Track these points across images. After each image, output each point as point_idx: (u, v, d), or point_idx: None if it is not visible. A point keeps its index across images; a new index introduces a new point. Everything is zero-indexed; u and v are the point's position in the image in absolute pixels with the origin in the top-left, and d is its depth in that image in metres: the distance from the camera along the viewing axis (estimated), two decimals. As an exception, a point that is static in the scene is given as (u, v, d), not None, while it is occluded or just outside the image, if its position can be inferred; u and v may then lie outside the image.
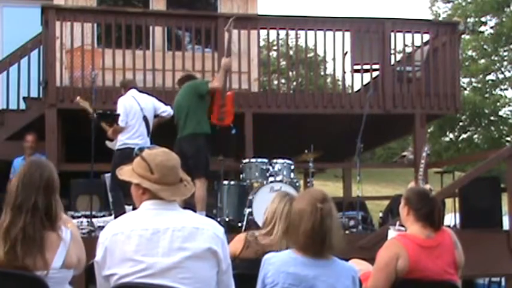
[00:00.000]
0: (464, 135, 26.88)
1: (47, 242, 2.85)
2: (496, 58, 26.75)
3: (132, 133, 7.12)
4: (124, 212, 6.32)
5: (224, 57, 7.53)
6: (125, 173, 2.94)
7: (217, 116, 7.35)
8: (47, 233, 2.87)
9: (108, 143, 7.44)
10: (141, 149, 3.05)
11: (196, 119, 7.05)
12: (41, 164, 3.03)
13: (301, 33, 9.35)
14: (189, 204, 6.57)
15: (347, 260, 3.22)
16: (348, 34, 9.14)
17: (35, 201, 2.88)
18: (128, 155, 6.50)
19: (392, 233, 4.08)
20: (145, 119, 7.23)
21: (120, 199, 7.01)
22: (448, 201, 8.97)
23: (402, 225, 3.97)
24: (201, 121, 7.08)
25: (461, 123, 25.86)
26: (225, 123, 7.47)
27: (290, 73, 12.76)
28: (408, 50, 9.75)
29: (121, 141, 7.11)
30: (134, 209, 2.94)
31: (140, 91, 7.49)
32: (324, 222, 3.00)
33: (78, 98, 7.59)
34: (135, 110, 7.18)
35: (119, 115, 7.12)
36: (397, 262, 3.55)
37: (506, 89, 27.23)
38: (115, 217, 6.22)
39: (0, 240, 2.84)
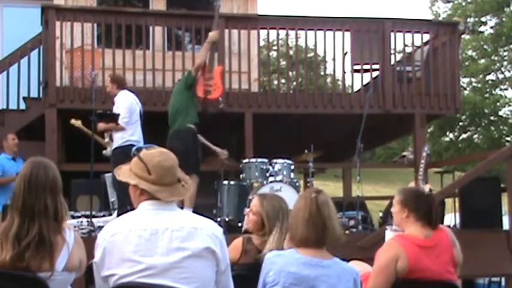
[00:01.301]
0: (464, 135, 26.89)
1: (53, 244, 2.83)
2: (496, 58, 26.76)
3: (133, 130, 7.17)
4: (127, 211, 6.31)
5: (212, 30, 7.52)
6: (123, 173, 2.93)
7: (204, 90, 7.30)
8: (55, 236, 2.84)
9: (105, 152, 7.43)
10: (138, 149, 3.02)
11: (185, 112, 7.06)
12: (44, 163, 2.96)
13: (301, 33, 9.35)
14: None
15: (347, 261, 3.22)
16: (348, 34, 9.15)
17: (45, 204, 2.84)
18: (130, 152, 6.50)
19: (389, 233, 4.05)
20: (141, 118, 7.28)
21: (122, 198, 7.02)
22: (448, 201, 8.97)
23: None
24: (189, 113, 7.08)
25: (461, 123, 25.87)
26: (213, 96, 7.41)
27: (290, 73, 12.75)
28: (408, 50, 9.75)
29: (123, 139, 7.10)
30: (133, 209, 2.93)
31: (130, 90, 7.50)
32: (321, 210, 3.03)
33: (72, 120, 7.65)
34: (136, 109, 7.24)
35: (118, 115, 7.13)
36: (397, 264, 3.54)
37: (506, 89, 27.25)
38: (118, 216, 6.20)
39: (6, 244, 2.79)
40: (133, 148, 6.72)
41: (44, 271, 2.80)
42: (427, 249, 3.59)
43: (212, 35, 7.41)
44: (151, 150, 2.93)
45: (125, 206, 6.86)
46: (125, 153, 6.79)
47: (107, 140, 7.49)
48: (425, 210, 3.68)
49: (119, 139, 7.15)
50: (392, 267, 3.54)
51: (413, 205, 3.70)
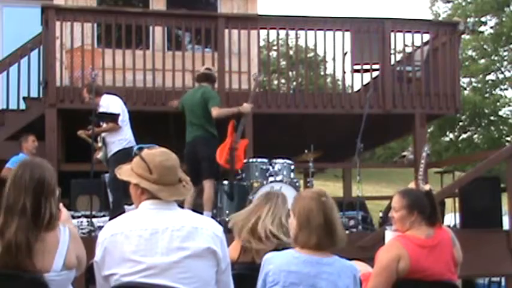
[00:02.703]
0: (464, 135, 26.93)
1: (42, 244, 2.80)
2: (496, 58, 26.80)
3: (130, 130, 7.25)
4: (122, 213, 6.30)
5: (248, 102, 7.47)
6: (124, 172, 2.93)
7: (226, 158, 7.33)
8: (41, 235, 2.81)
9: (98, 156, 7.41)
10: (140, 149, 3.02)
11: (211, 123, 7.15)
12: (32, 164, 2.94)
13: (301, 33, 9.35)
14: (197, 206, 6.62)
15: (349, 259, 3.21)
16: (348, 34, 9.14)
17: (23, 204, 2.82)
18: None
19: (389, 233, 4.04)
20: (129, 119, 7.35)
21: (120, 199, 7.02)
22: (448, 201, 8.97)
23: None
24: (213, 126, 7.19)
25: (461, 123, 25.90)
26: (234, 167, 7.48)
27: (290, 73, 12.75)
28: (408, 50, 9.75)
29: (126, 140, 7.17)
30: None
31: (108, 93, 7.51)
32: (331, 215, 3.04)
33: (79, 132, 7.66)
34: (125, 109, 7.34)
35: (118, 115, 7.14)
36: (398, 264, 3.53)
37: (506, 89, 27.29)
38: (110, 218, 6.18)
39: None
40: (135, 148, 6.73)
41: (38, 272, 2.79)
42: (428, 248, 3.59)
43: (245, 107, 7.35)
44: (153, 150, 2.94)
45: (121, 207, 6.87)
46: (130, 155, 6.80)
47: (100, 144, 7.45)
48: (431, 208, 3.69)
49: (122, 141, 7.17)
50: (394, 267, 3.53)
51: (420, 207, 3.68)
